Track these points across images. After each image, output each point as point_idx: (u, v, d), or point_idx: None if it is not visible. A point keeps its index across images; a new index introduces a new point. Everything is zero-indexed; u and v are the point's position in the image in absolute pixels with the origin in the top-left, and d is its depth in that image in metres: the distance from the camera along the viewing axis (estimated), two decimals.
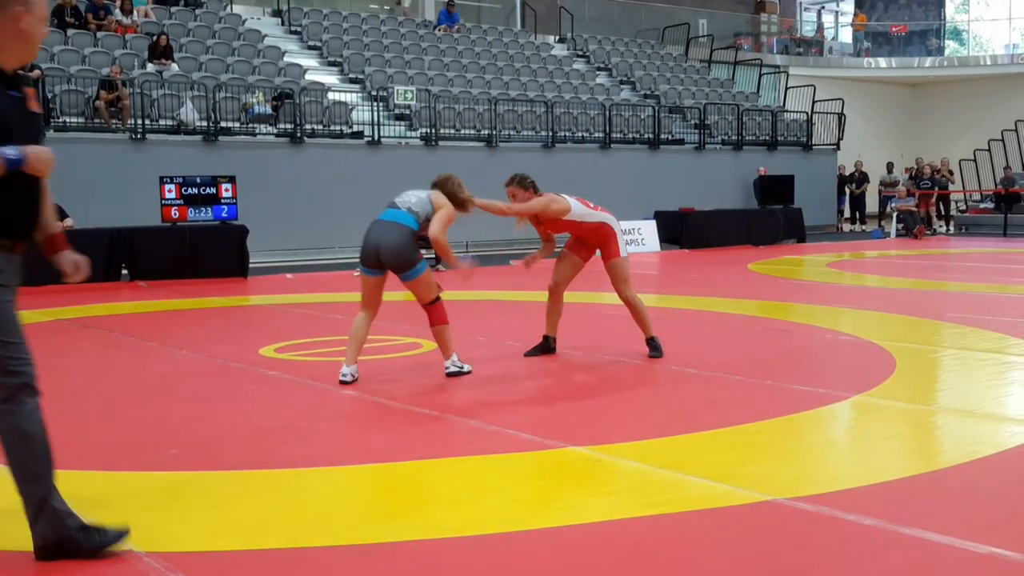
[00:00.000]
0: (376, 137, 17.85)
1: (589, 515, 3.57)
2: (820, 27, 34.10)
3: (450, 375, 6.13)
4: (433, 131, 18.46)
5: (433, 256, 14.71)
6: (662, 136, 21.63)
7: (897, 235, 21.48)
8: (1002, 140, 25.02)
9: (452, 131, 18.96)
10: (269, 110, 17.10)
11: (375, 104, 18.14)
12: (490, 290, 11.10)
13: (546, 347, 6.85)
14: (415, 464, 4.29)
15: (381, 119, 18.08)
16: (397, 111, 18.93)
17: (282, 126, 17.14)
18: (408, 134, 18.65)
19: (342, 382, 5.94)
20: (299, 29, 21.26)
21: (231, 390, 6.06)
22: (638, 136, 21.48)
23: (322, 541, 3.36)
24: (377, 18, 22.93)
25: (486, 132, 19.25)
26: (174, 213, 13.35)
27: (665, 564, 3.15)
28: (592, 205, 6.77)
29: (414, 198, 6.19)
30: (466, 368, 6.19)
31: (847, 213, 25.74)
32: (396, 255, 5.94)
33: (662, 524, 3.49)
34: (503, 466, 4.24)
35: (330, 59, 20.47)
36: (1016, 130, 25.14)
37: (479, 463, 4.31)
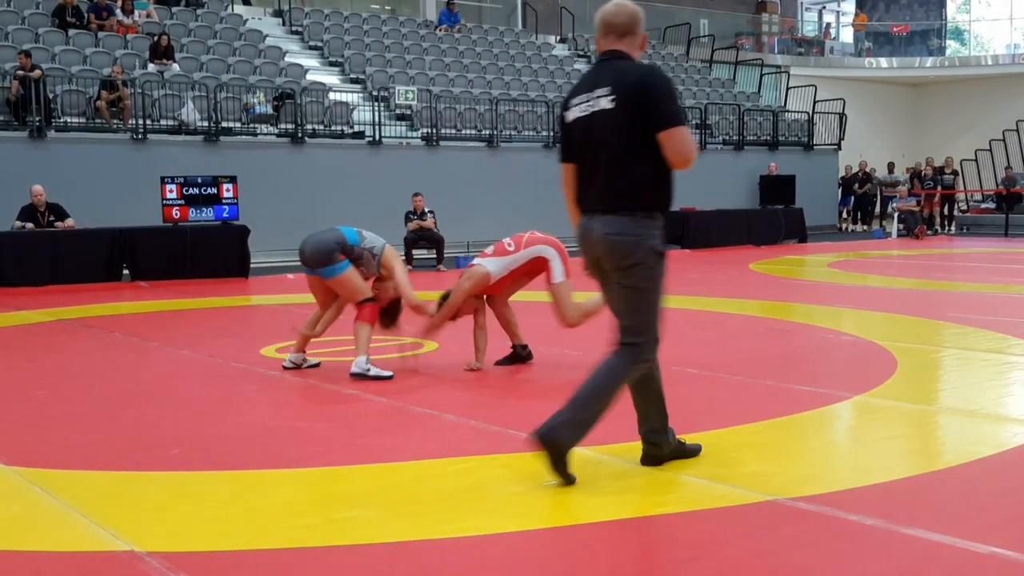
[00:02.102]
0: (377, 137, 17.85)
1: (590, 515, 3.57)
2: (827, 29, 34.03)
3: (353, 376, 6.08)
4: (434, 131, 18.46)
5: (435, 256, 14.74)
6: None
7: (898, 235, 21.47)
8: (1003, 140, 25.01)
9: (453, 131, 18.96)
10: (270, 110, 17.11)
11: (376, 104, 18.14)
12: None
13: (516, 357, 6.65)
14: (416, 464, 4.30)
15: (382, 119, 18.08)
16: (398, 111, 18.93)
17: (283, 126, 17.15)
18: (409, 134, 18.66)
19: (284, 367, 6.46)
20: (300, 29, 21.27)
21: (232, 390, 6.06)
22: None
23: (323, 541, 3.36)
24: (378, 18, 22.94)
25: (487, 132, 19.25)
26: (175, 213, 13.37)
27: (666, 564, 3.15)
28: (512, 244, 6.47)
29: (371, 234, 6.50)
30: (374, 372, 6.07)
31: (851, 213, 25.65)
32: (313, 251, 6.24)
33: (664, 524, 3.49)
34: (504, 466, 4.24)
35: (331, 59, 20.48)
36: (1017, 130, 25.13)
37: (480, 463, 4.31)
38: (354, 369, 6.10)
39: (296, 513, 3.66)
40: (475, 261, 6.53)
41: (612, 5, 3.95)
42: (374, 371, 6.07)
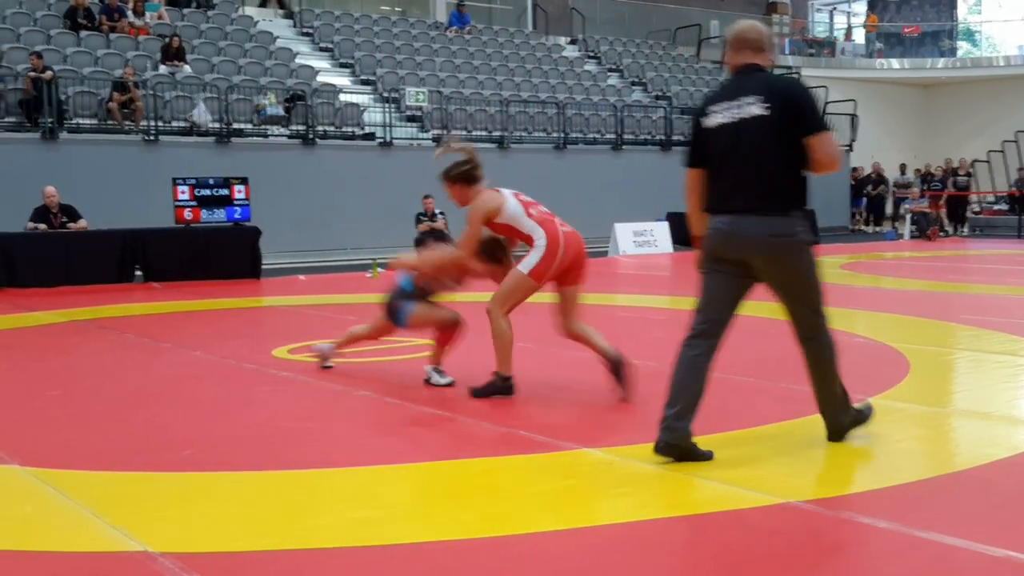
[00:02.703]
0: (388, 139, 17.88)
1: (604, 517, 3.57)
2: (848, 32, 33.91)
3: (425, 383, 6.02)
4: (445, 132, 18.48)
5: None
6: (674, 137, 21.61)
7: (911, 237, 21.39)
8: (1016, 141, 24.92)
9: (463, 133, 18.96)
10: (281, 112, 17.15)
11: (386, 106, 18.17)
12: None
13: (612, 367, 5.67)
14: (429, 465, 4.30)
15: (392, 120, 18.11)
16: (408, 112, 18.96)
17: (294, 128, 17.20)
18: (419, 135, 18.68)
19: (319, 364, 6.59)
20: (311, 31, 21.32)
21: (244, 391, 6.07)
22: (650, 137, 21.47)
23: (337, 542, 3.36)
24: (388, 20, 22.97)
25: (497, 133, 19.26)
26: (187, 214, 13.40)
27: (680, 566, 3.14)
28: (534, 210, 5.62)
29: None
30: (434, 380, 5.98)
31: (863, 215, 25.58)
32: (385, 311, 6.11)
33: (676, 526, 3.49)
34: (518, 467, 4.24)
35: (342, 61, 20.52)
36: None
37: (493, 464, 4.30)
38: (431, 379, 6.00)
39: (308, 514, 3.66)
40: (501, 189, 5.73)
41: (745, 23, 4.41)
42: (435, 378, 6.01)
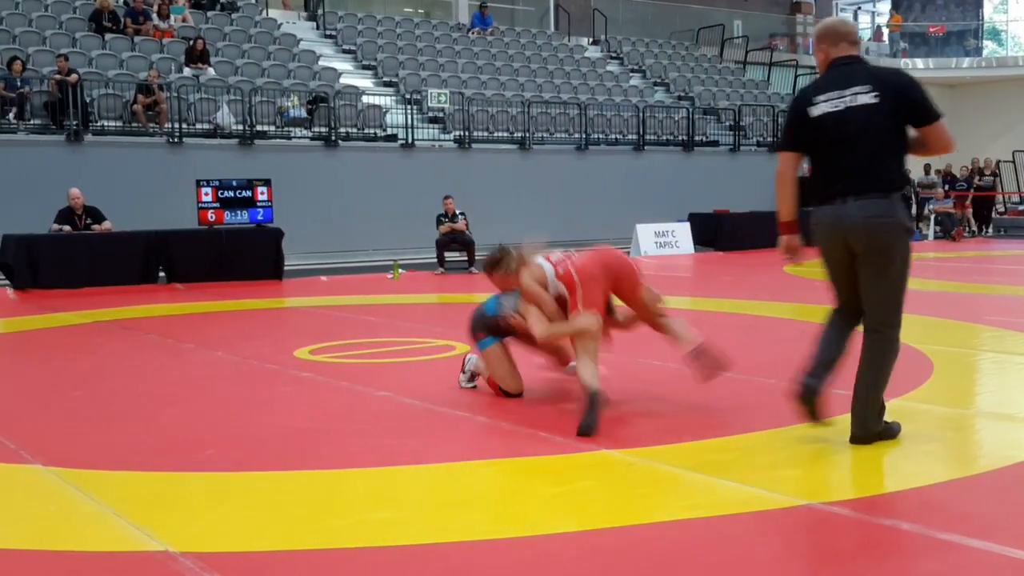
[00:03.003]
0: (410, 140, 17.92)
1: (623, 518, 3.56)
2: (878, 31, 33.65)
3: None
4: (467, 133, 18.50)
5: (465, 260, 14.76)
6: (696, 138, 21.54)
7: (935, 237, 21.23)
8: None
9: (485, 133, 18.99)
10: (304, 113, 17.23)
11: (409, 107, 18.21)
12: None
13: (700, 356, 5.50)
14: (448, 466, 4.30)
15: (415, 122, 18.15)
16: (431, 114, 18.99)
17: (317, 129, 17.27)
18: (442, 137, 18.71)
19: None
20: (333, 33, 21.41)
21: (266, 392, 6.10)
22: (672, 138, 21.41)
23: (355, 542, 3.37)
24: (411, 21, 23.02)
25: (519, 135, 19.26)
26: (211, 216, 13.49)
27: (700, 568, 3.13)
28: (560, 267, 5.29)
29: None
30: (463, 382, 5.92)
31: None
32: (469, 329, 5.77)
33: (696, 528, 3.48)
34: (536, 468, 4.24)
35: (364, 63, 20.58)
36: None
37: (512, 465, 4.31)
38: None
39: (328, 514, 3.68)
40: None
41: (836, 19, 4.70)
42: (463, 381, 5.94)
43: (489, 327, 5.61)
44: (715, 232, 18.87)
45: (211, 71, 17.24)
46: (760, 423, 4.92)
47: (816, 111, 4.41)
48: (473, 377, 5.91)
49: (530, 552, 3.28)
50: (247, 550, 3.32)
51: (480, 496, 3.88)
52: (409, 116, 18.03)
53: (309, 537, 3.42)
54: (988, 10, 33.73)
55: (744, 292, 11.34)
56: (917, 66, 31.59)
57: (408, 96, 18.79)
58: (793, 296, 11.05)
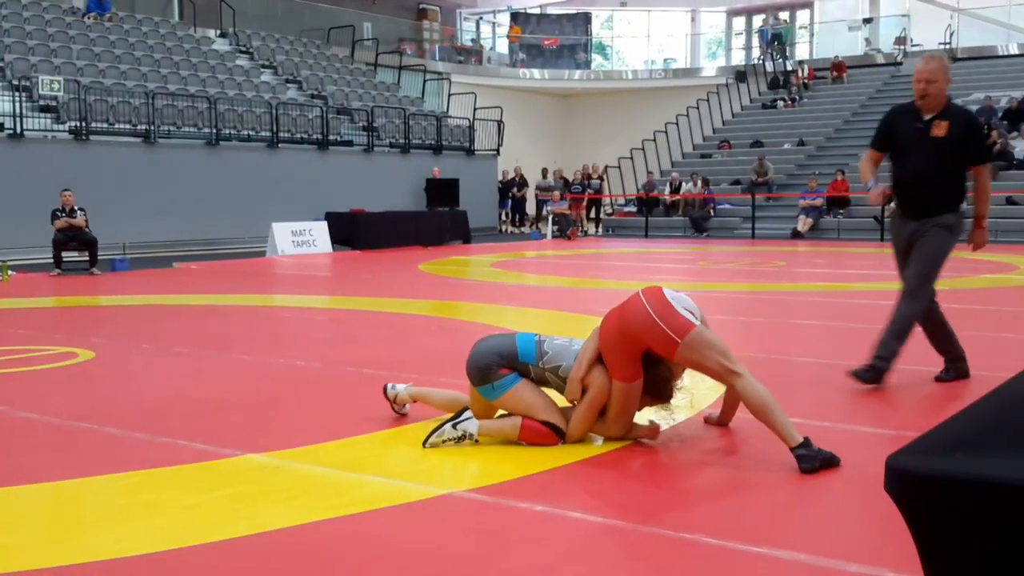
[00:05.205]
0: (18, 130, 16.41)
1: (270, 523, 3.50)
2: (479, 44, 35.25)
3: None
4: (83, 124, 17.26)
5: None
6: (331, 137, 21.58)
7: (553, 237, 22.85)
8: (643, 148, 27.29)
9: (105, 125, 17.82)
10: None
11: (17, 94, 16.67)
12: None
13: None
14: (73, 483, 4.00)
15: (24, 111, 16.65)
16: (42, 102, 17.52)
17: None
18: (55, 127, 17.32)
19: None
20: None
21: None
22: (307, 136, 21.30)
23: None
24: (18, 2, 21.05)
25: (143, 127, 18.28)
26: None
27: (350, 566, 3.16)
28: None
29: (562, 342, 4.71)
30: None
31: (509, 216, 27.10)
32: (473, 364, 4.60)
33: (348, 525, 3.50)
34: (175, 479, 4.05)
35: None
36: (655, 139, 27.52)
37: (147, 477, 4.08)
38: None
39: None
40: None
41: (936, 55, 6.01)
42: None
43: (515, 364, 4.56)
44: (352, 231, 19.05)
45: None
46: (400, 419, 5.03)
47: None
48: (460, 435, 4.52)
49: (170, 566, 3.13)
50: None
51: (109, 515, 3.63)
52: (17, 104, 16.51)
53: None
54: (596, 26, 36.75)
55: (383, 290, 11.55)
56: (534, 76, 33.77)
57: (16, 82, 17.19)
58: (429, 293, 11.42)
